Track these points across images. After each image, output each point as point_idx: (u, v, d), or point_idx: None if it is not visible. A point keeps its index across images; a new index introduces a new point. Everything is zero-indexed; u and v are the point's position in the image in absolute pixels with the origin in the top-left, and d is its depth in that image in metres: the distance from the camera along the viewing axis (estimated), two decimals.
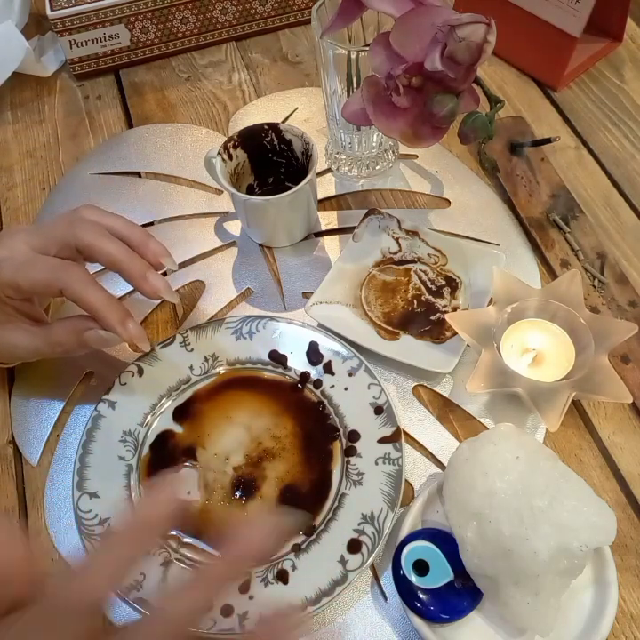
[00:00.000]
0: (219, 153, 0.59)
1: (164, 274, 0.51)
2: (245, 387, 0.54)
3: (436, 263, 0.59)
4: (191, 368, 0.55)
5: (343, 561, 0.46)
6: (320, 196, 0.65)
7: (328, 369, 0.54)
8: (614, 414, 0.53)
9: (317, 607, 0.44)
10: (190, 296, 0.61)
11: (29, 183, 0.70)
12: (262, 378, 0.55)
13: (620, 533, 0.47)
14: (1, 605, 0.33)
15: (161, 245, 0.50)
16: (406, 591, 0.43)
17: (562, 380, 0.50)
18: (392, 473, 0.49)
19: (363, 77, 0.55)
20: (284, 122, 0.67)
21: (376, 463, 0.50)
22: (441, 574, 0.43)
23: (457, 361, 0.53)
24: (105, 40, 0.76)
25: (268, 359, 0.55)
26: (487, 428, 0.51)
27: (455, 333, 0.54)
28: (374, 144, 0.64)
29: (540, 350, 0.52)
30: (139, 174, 0.70)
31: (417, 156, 0.68)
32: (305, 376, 0.54)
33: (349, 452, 0.51)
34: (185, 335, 0.56)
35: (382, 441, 0.50)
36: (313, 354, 0.55)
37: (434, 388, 0.54)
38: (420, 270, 0.59)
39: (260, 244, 0.64)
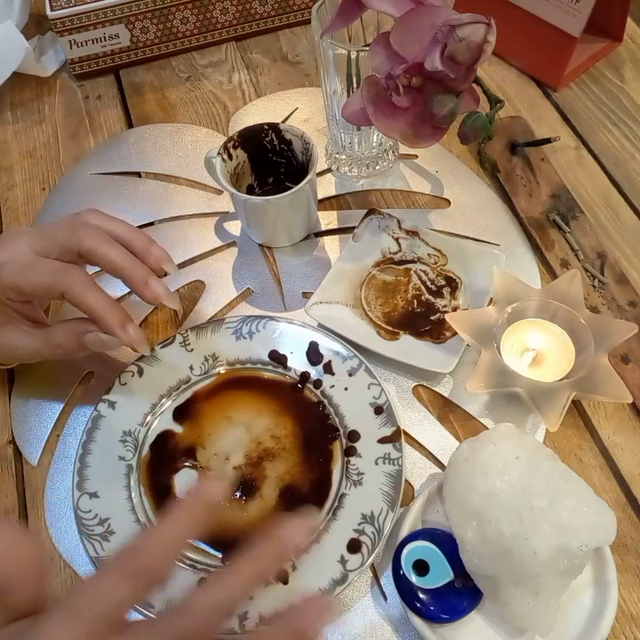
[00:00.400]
0: (219, 153, 0.59)
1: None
2: (245, 387, 0.54)
3: (436, 263, 0.59)
4: (191, 368, 0.55)
5: (343, 561, 0.46)
6: (320, 196, 0.65)
7: (328, 369, 0.54)
8: (614, 414, 0.53)
9: None
10: (190, 296, 0.61)
11: (29, 183, 0.70)
12: (262, 378, 0.55)
13: (620, 533, 0.47)
14: (12, 610, 0.32)
15: (163, 250, 0.50)
16: (406, 591, 0.43)
17: (562, 380, 0.50)
18: (392, 473, 0.49)
19: (363, 77, 0.55)
20: (284, 122, 0.67)
21: (376, 463, 0.50)
22: (441, 574, 0.43)
23: (457, 361, 0.53)
24: (105, 40, 0.76)
25: (268, 359, 0.55)
26: (487, 428, 0.51)
27: (455, 333, 0.54)
28: (374, 144, 0.64)
29: (540, 350, 0.52)
30: (139, 174, 0.70)
31: (417, 156, 0.68)
32: (305, 376, 0.54)
33: (349, 451, 0.51)
34: (185, 335, 0.56)
35: (382, 441, 0.50)
36: (313, 354, 0.55)
37: (434, 388, 0.54)
38: (420, 270, 0.59)
39: (260, 244, 0.64)
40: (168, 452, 0.52)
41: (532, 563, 0.40)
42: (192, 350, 0.55)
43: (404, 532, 0.46)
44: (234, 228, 0.65)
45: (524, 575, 0.41)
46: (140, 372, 0.54)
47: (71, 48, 0.75)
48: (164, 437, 0.52)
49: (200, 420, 0.53)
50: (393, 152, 0.67)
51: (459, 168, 0.67)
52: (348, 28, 0.58)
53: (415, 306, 0.57)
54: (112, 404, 0.53)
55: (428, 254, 0.60)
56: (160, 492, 0.50)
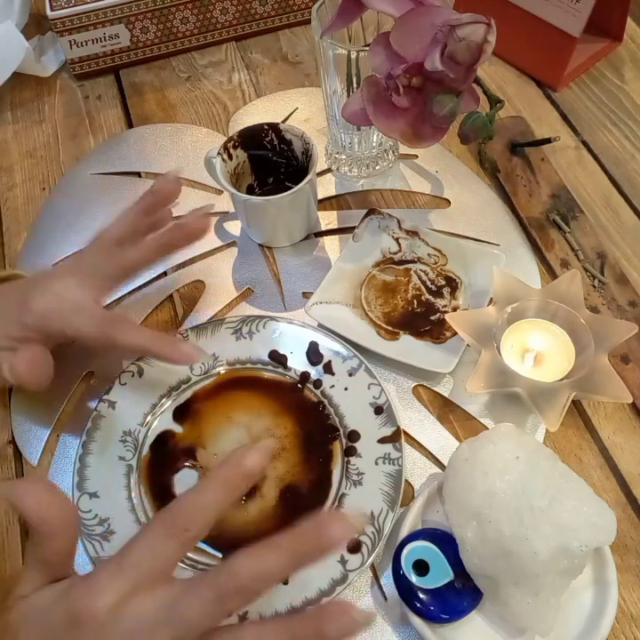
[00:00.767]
0: (219, 153, 0.59)
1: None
2: (245, 387, 0.54)
3: (436, 263, 0.59)
4: (191, 368, 0.55)
5: (343, 561, 0.46)
6: (320, 196, 0.65)
7: (328, 369, 0.54)
8: (614, 414, 0.53)
9: None
10: (190, 296, 0.61)
11: (29, 183, 0.70)
12: (262, 378, 0.55)
13: (620, 533, 0.47)
14: (50, 562, 0.35)
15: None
16: (406, 591, 0.43)
17: (562, 379, 0.50)
18: (392, 473, 0.49)
19: (363, 77, 0.55)
20: (284, 122, 0.67)
21: (376, 463, 0.50)
22: (441, 574, 0.43)
23: (457, 361, 0.53)
24: (105, 40, 0.76)
25: (268, 359, 0.55)
26: (487, 428, 0.51)
27: (455, 333, 0.54)
28: (374, 144, 0.64)
29: (540, 350, 0.52)
30: (139, 174, 0.70)
31: (417, 156, 0.68)
32: (305, 376, 0.54)
33: (349, 451, 0.51)
34: (185, 335, 0.56)
35: (382, 441, 0.50)
36: (313, 354, 0.55)
37: (434, 388, 0.54)
38: (420, 270, 0.59)
39: (260, 244, 0.64)
40: (168, 452, 0.52)
41: (531, 563, 0.40)
42: None
43: (404, 532, 0.46)
44: (234, 227, 0.65)
45: (524, 575, 0.41)
46: (140, 372, 0.54)
47: (71, 48, 0.75)
48: (164, 437, 0.52)
49: (200, 420, 0.53)
50: (393, 152, 0.67)
51: (459, 168, 0.67)
52: (348, 28, 0.58)
53: (415, 306, 0.57)
54: (112, 404, 0.53)
55: (428, 254, 0.60)
56: (160, 492, 0.50)
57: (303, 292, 0.60)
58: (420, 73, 0.51)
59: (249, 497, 0.49)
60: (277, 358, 0.55)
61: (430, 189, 0.66)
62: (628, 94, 0.72)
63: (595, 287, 0.58)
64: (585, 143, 0.69)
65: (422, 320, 0.56)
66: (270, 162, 0.63)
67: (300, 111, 0.73)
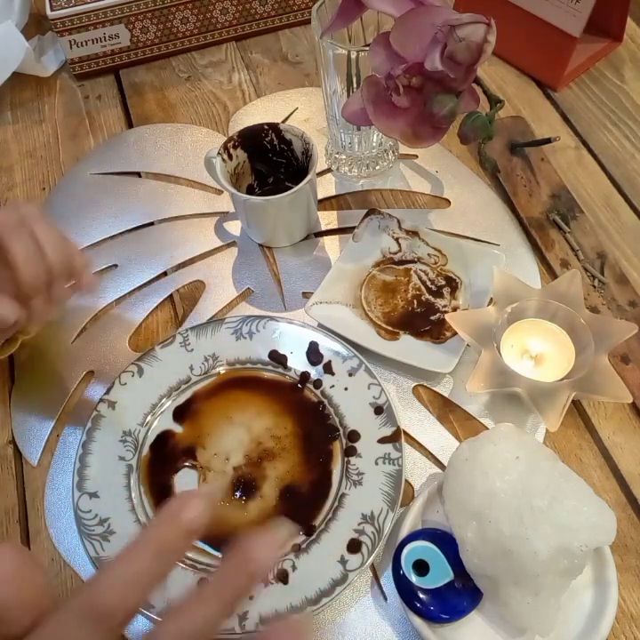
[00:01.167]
0: (219, 153, 0.59)
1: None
2: (245, 387, 0.54)
3: (436, 263, 0.59)
4: (191, 368, 0.55)
5: (343, 561, 0.46)
6: (320, 196, 0.65)
7: (328, 369, 0.54)
8: (614, 414, 0.52)
9: (317, 607, 0.44)
10: (190, 296, 0.61)
11: (29, 183, 0.70)
12: (262, 378, 0.55)
13: (620, 533, 0.47)
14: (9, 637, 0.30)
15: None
16: (406, 591, 0.43)
17: (562, 380, 0.50)
18: (392, 473, 0.49)
19: (363, 77, 0.55)
20: (284, 122, 0.67)
21: (376, 463, 0.50)
22: (441, 574, 0.43)
23: (457, 361, 0.53)
24: (105, 40, 0.76)
25: (268, 359, 0.55)
26: (487, 428, 0.51)
27: (455, 333, 0.54)
28: (374, 144, 0.64)
29: (540, 350, 0.52)
30: (139, 174, 0.70)
31: (417, 156, 0.68)
32: (305, 376, 0.54)
33: (349, 451, 0.51)
34: (185, 335, 0.56)
35: (382, 441, 0.50)
36: (313, 354, 0.55)
37: (434, 388, 0.54)
38: (420, 270, 0.59)
39: (260, 244, 0.64)
40: (168, 451, 0.52)
41: (531, 563, 0.40)
42: (192, 350, 0.55)
43: (404, 532, 0.46)
44: (234, 228, 0.65)
45: (524, 575, 0.41)
46: (140, 372, 0.54)
47: (71, 48, 0.75)
48: (164, 437, 0.52)
49: (200, 420, 0.53)
50: (393, 152, 0.67)
51: (459, 168, 0.67)
52: (348, 28, 0.58)
53: (415, 306, 0.57)
54: (112, 404, 0.53)
55: (428, 254, 0.60)
56: (160, 492, 0.50)
57: (303, 292, 0.60)
58: (420, 73, 0.51)
59: (249, 497, 0.49)
60: (277, 358, 0.55)
61: (430, 189, 0.66)
62: (627, 94, 0.72)
63: (595, 287, 0.58)
64: (584, 143, 0.69)
65: (422, 320, 0.56)
66: (270, 162, 0.63)
67: (300, 111, 0.73)
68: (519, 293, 0.53)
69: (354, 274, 0.59)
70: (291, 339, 0.56)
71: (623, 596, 0.45)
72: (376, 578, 0.47)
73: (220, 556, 0.47)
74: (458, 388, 0.54)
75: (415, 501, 0.47)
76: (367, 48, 0.52)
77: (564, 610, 0.42)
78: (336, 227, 0.64)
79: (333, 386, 0.53)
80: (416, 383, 0.55)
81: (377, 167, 0.66)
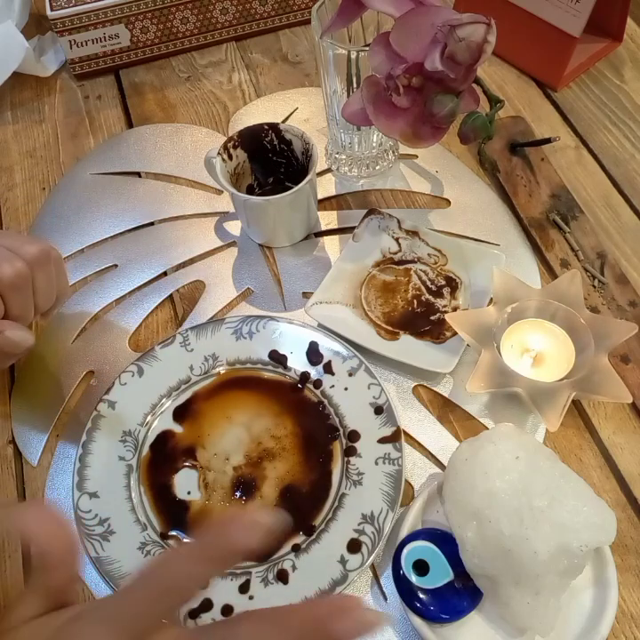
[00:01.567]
0: (219, 153, 0.59)
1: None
2: (245, 387, 0.54)
3: (435, 263, 0.59)
4: (191, 368, 0.55)
5: (343, 561, 0.46)
6: (320, 196, 0.65)
7: (328, 369, 0.54)
8: (614, 414, 0.52)
9: None
10: (190, 296, 0.61)
11: (29, 183, 0.70)
12: (262, 378, 0.55)
13: (620, 533, 0.47)
14: (50, 592, 0.33)
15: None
16: (406, 591, 0.43)
17: (562, 380, 0.50)
18: (392, 473, 0.49)
19: (363, 77, 0.55)
20: (284, 122, 0.67)
21: (376, 463, 0.50)
22: (441, 574, 0.43)
23: (457, 361, 0.53)
24: (105, 40, 0.76)
25: (268, 359, 0.55)
26: (487, 428, 0.51)
27: (455, 333, 0.54)
28: (374, 144, 0.64)
29: (540, 350, 0.52)
30: (139, 174, 0.70)
31: (417, 156, 0.68)
32: (305, 376, 0.54)
33: (349, 451, 0.51)
34: (185, 335, 0.56)
35: (382, 441, 0.50)
36: (313, 354, 0.55)
37: (434, 388, 0.54)
38: (420, 270, 0.59)
39: (260, 244, 0.64)
40: (168, 451, 0.52)
41: (532, 563, 0.40)
42: (192, 350, 0.55)
43: (404, 532, 0.46)
44: (234, 228, 0.65)
45: (524, 575, 0.41)
46: (140, 372, 0.54)
47: (71, 48, 0.75)
48: (164, 437, 0.52)
49: (200, 420, 0.53)
50: (393, 152, 0.67)
51: (459, 168, 0.67)
52: (348, 28, 0.58)
53: (415, 306, 0.57)
54: (112, 404, 0.53)
55: (428, 254, 0.60)
56: (160, 492, 0.50)
57: (303, 292, 0.60)
58: (420, 73, 0.51)
59: (249, 497, 0.49)
60: (277, 358, 0.55)
61: (430, 189, 0.66)
62: (627, 94, 0.72)
63: (595, 287, 0.58)
64: (584, 143, 0.69)
65: (422, 320, 0.56)
66: (270, 162, 0.63)
67: (300, 111, 0.73)
68: (519, 293, 0.53)
69: (354, 274, 0.59)
70: (291, 339, 0.56)
71: (623, 596, 0.45)
72: (376, 578, 0.47)
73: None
74: (458, 388, 0.54)
75: (415, 501, 0.47)
76: (367, 48, 0.52)
77: (564, 610, 0.42)
78: (336, 227, 0.64)
79: (333, 386, 0.53)
80: (416, 383, 0.55)
81: (377, 167, 0.66)
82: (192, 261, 0.63)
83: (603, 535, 0.41)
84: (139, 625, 0.30)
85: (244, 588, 0.46)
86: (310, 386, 0.54)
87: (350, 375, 0.53)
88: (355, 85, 0.58)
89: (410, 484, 0.50)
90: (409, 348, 0.55)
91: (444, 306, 0.57)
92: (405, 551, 0.44)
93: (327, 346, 0.55)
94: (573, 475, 0.44)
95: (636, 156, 0.67)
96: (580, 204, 0.63)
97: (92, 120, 0.75)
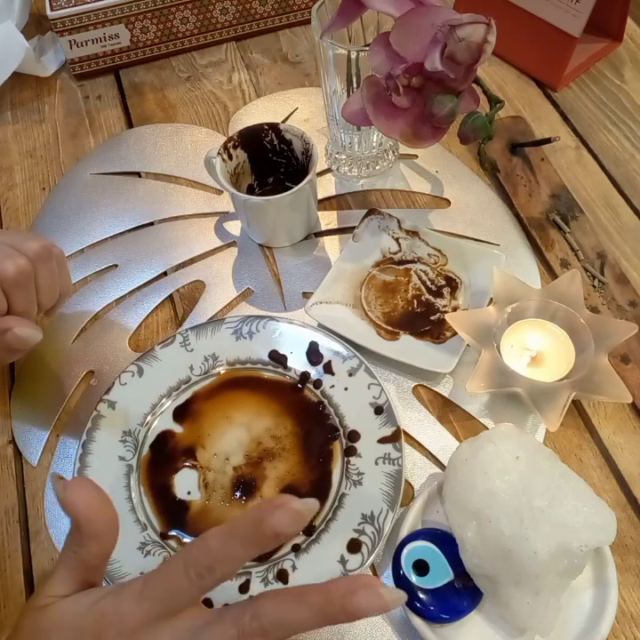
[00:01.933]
0: (219, 153, 0.59)
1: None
2: (245, 387, 0.54)
3: (435, 263, 0.59)
4: (191, 368, 0.55)
5: (343, 561, 0.46)
6: (320, 196, 0.65)
7: (328, 369, 0.54)
8: (614, 414, 0.53)
9: None
10: (190, 296, 0.61)
11: (29, 183, 0.70)
12: (262, 378, 0.55)
13: (620, 533, 0.47)
14: (87, 564, 0.34)
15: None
16: (406, 591, 0.43)
17: (562, 380, 0.50)
18: (392, 473, 0.49)
19: (363, 77, 0.55)
20: (284, 122, 0.67)
21: (376, 463, 0.50)
22: (441, 574, 0.43)
23: (457, 361, 0.53)
24: (105, 40, 0.76)
25: (268, 359, 0.55)
26: (487, 428, 0.51)
27: (455, 333, 0.54)
28: (374, 144, 0.64)
29: (540, 350, 0.52)
30: (139, 174, 0.70)
31: (417, 156, 0.68)
32: (305, 376, 0.54)
33: (349, 451, 0.51)
34: (185, 335, 0.56)
35: (382, 441, 0.50)
36: (313, 354, 0.55)
37: (434, 388, 0.54)
38: (420, 270, 0.59)
39: (260, 244, 0.64)
40: (168, 451, 0.52)
41: (531, 563, 0.40)
42: (192, 350, 0.55)
43: (404, 532, 0.46)
44: (234, 228, 0.65)
45: (524, 575, 0.41)
46: (140, 372, 0.54)
47: (71, 48, 0.75)
48: (164, 437, 0.52)
49: (200, 420, 0.53)
50: (393, 152, 0.67)
51: (459, 168, 0.67)
52: (348, 28, 0.58)
53: (415, 306, 0.57)
54: (112, 404, 0.53)
55: (428, 254, 0.60)
56: (160, 492, 0.50)
57: (303, 292, 0.60)
58: (420, 73, 0.51)
59: (249, 497, 0.49)
60: (277, 358, 0.55)
61: (430, 189, 0.66)
62: (628, 94, 0.72)
63: (595, 287, 0.58)
64: (584, 143, 0.69)
65: (422, 320, 0.56)
66: (270, 162, 0.63)
67: (300, 111, 0.73)
68: (519, 293, 0.53)
69: (354, 274, 0.59)
70: (291, 339, 0.56)
71: (623, 596, 0.45)
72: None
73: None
74: (458, 388, 0.54)
75: (415, 501, 0.47)
76: (367, 48, 0.52)
77: (564, 610, 0.42)
78: (336, 227, 0.64)
79: (333, 386, 0.53)
80: (416, 383, 0.55)
81: (377, 167, 0.66)
82: (192, 261, 0.63)
83: (603, 535, 0.41)
84: (175, 601, 0.32)
85: (243, 588, 0.46)
86: (310, 386, 0.54)
87: (350, 375, 0.53)
88: (355, 85, 0.58)
89: (410, 484, 0.50)
90: (409, 348, 0.55)
91: (444, 306, 0.57)
92: (405, 551, 0.44)
93: (327, 346, 0.55)
94: (573, 475, 0.44)
95: (636, 156, 0.67)
96: (580, 204, 0.63)
97: (91, 120, 0.75)
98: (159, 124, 0.74)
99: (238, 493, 0.50)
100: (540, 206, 0.63)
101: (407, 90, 0.51)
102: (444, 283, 0.58)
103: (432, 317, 0.56)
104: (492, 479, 0.42)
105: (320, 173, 0.67)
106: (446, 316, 0.54)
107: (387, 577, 0.46)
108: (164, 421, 0.53)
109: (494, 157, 0.66)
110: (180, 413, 0.53)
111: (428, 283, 0.58)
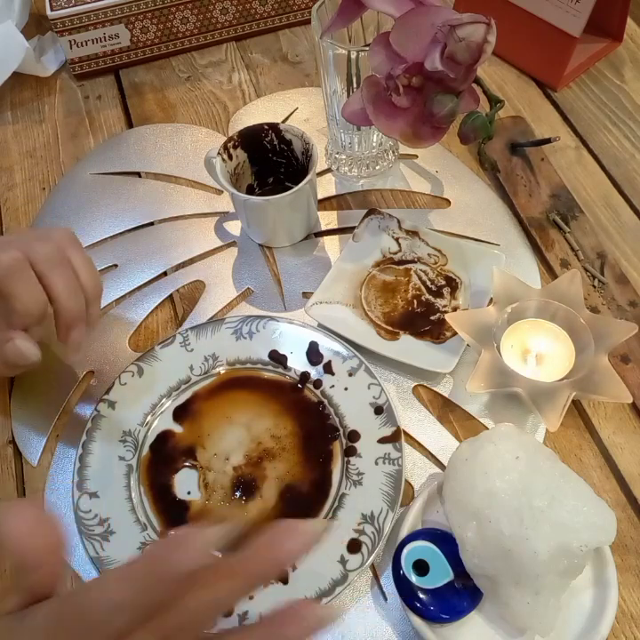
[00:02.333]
0: (219, 153, 0.59)
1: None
2: (245, 387, 0.54)
3: (435, 263, 0.59)
4: (191, 368, 0.55)
5: (343, 561, 0.46)
6: (320, 196, 0.65)
7: (328, 369, 0.54)
8: (614, 414, 0.52)
9: None
10: (190, 296, 0.61)
11: (29, 183, 0.70)
12: (262, 378, 0.55)
13: (620, 533, 0.47)
14: (29, 592, 0.32)
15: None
16: (406, 591, 0.43)
17: (562, 380, 0.50)
18: (392, 473, 0.49)
19: (363, 77, 0.55)
20: (284, 122, 0.67)
21: (376, 463, 0.50)
22: (441, 574, 0.43)
23: (457, 361, 0.53)
24: (105, 40, 0.76)
25: (268, 359, 0.55)
26: (487, 428, 0.51)
27: (455, 333, 0.54)
28: (374, 144, 0.64)
29: (539, 350, 0.52)
30: (139, 174, 0.70)
31: (417, 156, 0.68)
32: (305, 376, 0.54)
33: (349, 451, 0.51)
34: (185, 335, 0.56)
35: (382, 441, 0.50)
36: (313, 354, 0.55)
37: (434, 388, 0.54)
38: (420, 270, 0.59)
39: (260, 244, 0.64)
40: (168, 451, 0.52)
41: (532, 563, 0.40)
42: (192, 350, 0.55)
43: (404, 532, 0.46)
44: (234, 228, 0.65)
45: (524, 575, 0.41)
46: (140, 372, 0.54)
47: (71, 48, 0.75)
48: (164, 437, 0.52)
49: (200, 420, 0.53)
50: (393, 152, 0.67)
51: (459, 168, 0.67)
52: (348, 28, 0.58)
53: (415, 306, 0.57)
54: (112, 404, 0.53)
55: (428, 254, 0.60)
56: (160, 492, 0.50)
57: (303, 292, 0.60)
58: (420, 73, 0.51)
59: (249, 497, 0.49)
60: (277, 358, 0.55)
61: (430, 189, 0.66)
62: (628, 94, 0.72)
63: (595, 287, 0.58)
64: (584, 143, 0.69)
65: (422, 320, 0.56)
66: (270, 162, 0.63)
67: (300, 111, 0.73)
68: (519, 293, 0.53)
69: (354, 274, 0.59)
70: (291, 339, 0.56)
71: (623, 596, 0.45)
72: (376, 578, 0.47)
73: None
74: (458, 388, 0.54)
75: (415, 501, 0.47)
76: (367, 48, 0.52)
77: (564, 610, 0.42)
78: (336, 227, 0.64)
79: (333, 386, 0.53)
80: (416, 383, 0.55)
81: (377, 167, 0.66)
82: (192, 261, 0.63)
83: (603, 535, 0.41)
84: (183, 635, 0.30)
85: None
86: (310, 386, 0.54)
87: (350, 375, 0.53)
88: (355, 85, 0.58)
89: (410, 484, 0.50)
90: (409, 348, 0.55)
91: (444, 306, 0.57)
92: (405, 551, 0.44)
93: (327, 346, 0.55)
94: (573, 475, 0.44)
95: (636, 155, 0.67)
96: (580, 204, 0.63)
97: (92, 120, 0.75)
98: (159, 124, 0.74)
99: (238, 493, 0.50)
100: (540, 206, 0.63)
101: (407, 90, 0.51)
102: (443, 283, 0.58)
103: (432, 317, 0.56)
104: (492, 479, 0.42)
105: (320, 173, 0.67)
106: (446, 316, 0.54)
107: (387, 577, 0.46)
108: (163, 421, 0.53)
109: (494, 157, 0.66)
110: (180, 413, 0.53)
111: (428, 283, 0.58)
